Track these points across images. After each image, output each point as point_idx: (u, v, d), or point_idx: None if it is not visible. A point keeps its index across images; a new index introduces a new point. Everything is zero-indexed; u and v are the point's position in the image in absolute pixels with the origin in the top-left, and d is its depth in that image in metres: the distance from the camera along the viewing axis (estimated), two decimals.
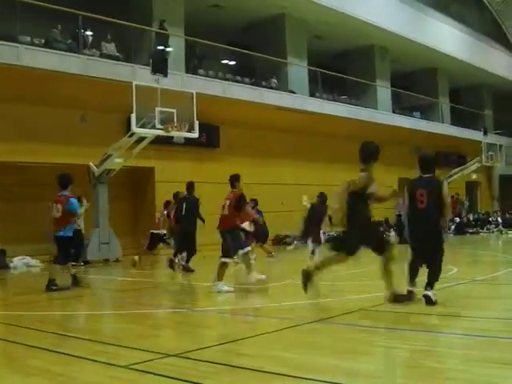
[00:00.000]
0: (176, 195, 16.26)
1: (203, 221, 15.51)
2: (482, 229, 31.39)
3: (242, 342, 6.66)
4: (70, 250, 12.18)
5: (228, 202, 11.27)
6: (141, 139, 17.64)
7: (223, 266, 10.95)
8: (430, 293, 8.55)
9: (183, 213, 14.96)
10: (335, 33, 28.48)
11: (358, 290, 11.26)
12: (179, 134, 18.22)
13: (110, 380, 5.28)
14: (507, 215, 33.74)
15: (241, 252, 11.00)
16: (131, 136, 17.28)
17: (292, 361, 5.73)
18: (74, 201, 11.97)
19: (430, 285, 8.68)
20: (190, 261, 14.77)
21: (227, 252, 10.95)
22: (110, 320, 8.81)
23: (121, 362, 5.72)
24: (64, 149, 18.36)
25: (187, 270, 14.65)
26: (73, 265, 12.91)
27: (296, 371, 5.28)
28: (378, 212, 28.90)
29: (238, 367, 5.49)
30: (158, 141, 18.39)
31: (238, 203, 11.29)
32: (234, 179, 11.82)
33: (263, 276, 11.47)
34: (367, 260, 13.19)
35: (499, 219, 32.50)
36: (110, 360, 5.84)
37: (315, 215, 15.19)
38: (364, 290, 11.08)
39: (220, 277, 10.91)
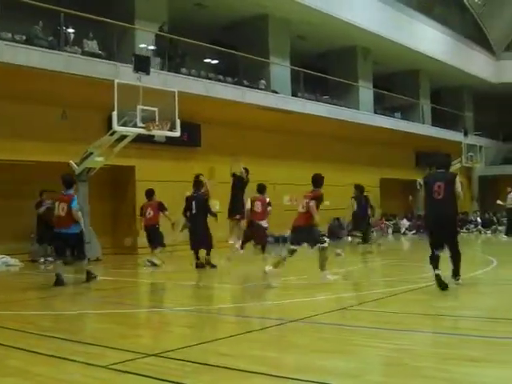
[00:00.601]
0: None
1: (215, 216, 15.73)
2: (462, 229, 31.53)
3: (221, 342, 6.66)
4: (82, 245, 12.81)
5: (307, 200, 11.46)
6: (122, 138, 17.56)
7: (323, 252, 11.43)
8: (460, 281, 10.23)
9: (194, 211, 15.21)
10: (318, 33, 28.53)
11: (339, 289, 11.29)
12: (161, 133, 18.17)
13: (89, 380, 5.26)
14: (486, 215, 33.94)
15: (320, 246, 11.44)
16: (112, 134, 17.19)
17: (272, 360, 5.76)
18: (75, 199, 12.53)
19: (456, 274, 10.27)
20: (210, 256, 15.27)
21: (316, 240, 11.42)
22: (89, 320, 8.78)
23: (100, 362, 5.70)
24: (44, 146, 18.25)
25: (211, 266, 15.11)
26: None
27: (275, 370, 5.31)
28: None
29: (217, 366, 5.49)
30: (140, 139, 18.32)
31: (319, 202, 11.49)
32: (318, 179, 11.98)
33: (335, 277, 11.81)
34: (350, 260, 13.28)
35: (478, 219, 32.73)
36: (89, 360, 5.82)
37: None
38: (345, 289, 11.13)
39: (322, 266, 11.51)
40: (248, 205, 16.16)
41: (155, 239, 16.27)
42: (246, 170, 16.82)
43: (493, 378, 5.04)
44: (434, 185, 10.09)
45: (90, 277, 12.71)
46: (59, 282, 12.09)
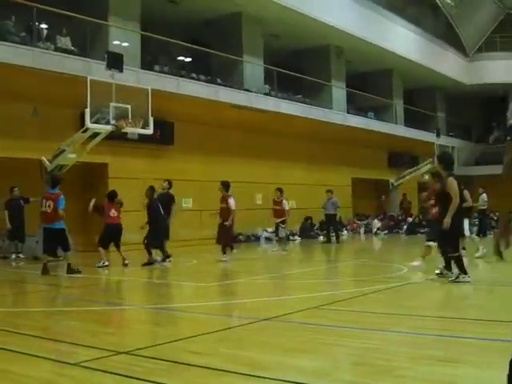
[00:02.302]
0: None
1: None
2: None
3: (193, 340, 6.67)
4: (67, 238, 14.01)
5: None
6: (94, 135, 17.51)
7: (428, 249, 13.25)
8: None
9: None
10: (291, 32, 28.54)
11: (310, 288, 11.33)
12: (133, 130, 18.13)
13: (60, 378, 5.25)
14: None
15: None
16: (85, 131, 17.14)
17: (242, 358, 5.78)
18: (62, 199, 13.45)
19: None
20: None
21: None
22: (60, 317, 8.72)
23: (71, 359, 5.69)
24: (15, 143, 18.05)
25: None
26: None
27: (246, 369, 5.32)
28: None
29: (188, 364, 5.49)
30: (112, 137, 18.25)
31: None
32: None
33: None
34: (319, 259, 13.34)
35: None
36: (60, 357, 5.81)
37: None
38: (316, 288, 11.18)
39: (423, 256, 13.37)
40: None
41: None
42: None
43: (461, 378, 5.12)
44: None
45: (71, 270, 13.47)
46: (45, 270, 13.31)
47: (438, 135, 34.25)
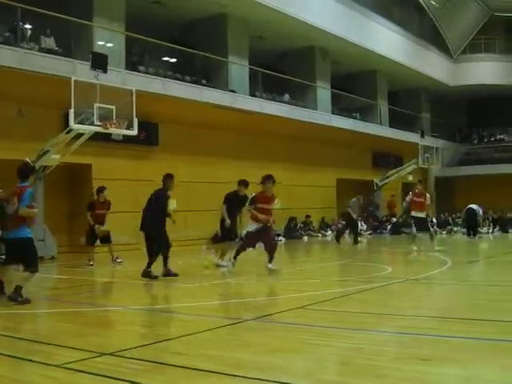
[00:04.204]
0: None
1: None
2: None
3: (177, 341, 6.67)
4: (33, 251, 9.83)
5: None
6: (79, 135, 17.47)
7: None
8: None
9: None
10: (276, 33, 28.59)
11: (295, 288, 11.36)
12: (118, 131, 18.09)
13: (44, 380, 5.22)
14: (442, 216, 34.38)
15: None
16: (69, 132, 17.09)
17: (226, 359, 5.77)
18: (29, 193, 9.79)
19: None
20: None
21: None
22: (44, 319, 8.70)
23: (55, 361, 5.65)
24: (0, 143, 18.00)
25: None
26: None
27: (230, 369, 5.32)
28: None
29: (172, 365, 5.49)
30: (96, 138, 18.23)
31: None
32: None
33: None
34: (304, 259, 13.36)
35: (434, 220, 33.08)
36: (44, 359, 5.77)
37: None
38: (301, 288, 11.20)
39: None
40: None
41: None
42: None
43: (445, 377, 5.13)
44: None
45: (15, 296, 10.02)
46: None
47: (422, 136, 34.41)
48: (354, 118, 34.12)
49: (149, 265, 12.63)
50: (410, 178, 37.81)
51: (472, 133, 47.34)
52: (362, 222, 31.66)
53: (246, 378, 5.10)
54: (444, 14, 41.08)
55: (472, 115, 47.51)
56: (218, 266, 14.54)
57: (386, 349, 6.27)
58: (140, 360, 5.70)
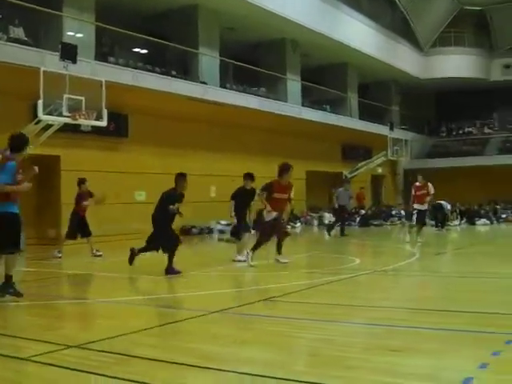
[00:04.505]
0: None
1: None
2: (386, 221, 32.15)
3: (145, 333, 6.67)
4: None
5: None
6: (47, 127, 17.34)
7: None
8: None
9: None
10: (247, 25, 28.50)
11: (263, 280, 11.42)
12: (87, 123, 18.00)
13: (11, 373, 5.21)
14: (410, 208, 34.63)
15: None
16: (38, 123, 16.96)
17: (194, 351, 5.80)
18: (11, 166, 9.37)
19: None
20: None
21: None
22: (12, 312, 8.62)
23: (22, 354, 5.65)
24: None
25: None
26: None
27: (198, 361, 5.35)
28: None
29: (139, 357, 5.50)
30: (65, 129, 18.10)
31: None
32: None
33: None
34: (272, 251, 13.42)
35: (402, 212, 33.35)
36: (11, 353, 5.74)
37: None
38: (269, 280, 11.26)
39: None
40: None
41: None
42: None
43: (414, 367, 5.20)
44: None
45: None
46: None
47: (391, 128, 34.67)
48: (324, 110, 34.16)
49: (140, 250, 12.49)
50: (379, 170, 38.13)
51: (441, 126, 47.77)
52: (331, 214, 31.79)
53: (213, 369, 5.13)
54: (414, 7, 41.24)
55: (441, 108, 47.90)
56: (234, 261, 14.03)
57: (355, 340, 6.35)
58: (107, 352, 5.69)
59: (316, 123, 30.92)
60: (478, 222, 30.24)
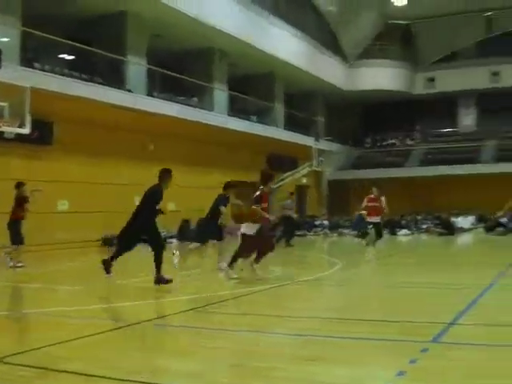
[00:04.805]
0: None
1: None
2: (309, 231, 32.51)
3: (64, 345, 6.58)
4: None
5: None
6: None
7: None
8: None
9: None
10: (176, 33, 28.34)
11: (186, 291, 11.46)
12: (9, 130, 17.70)
13: None
14: (334, 218, 35.14)
15: None
16: None
17: (115, 363, 5.80)
18: None
19: None
20: None
21: None
22: None
23: None
24: None
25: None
26: None
27: (119, 373, 5.35)
28: None
29: (58, 371, 5.45)
30: None
31: None
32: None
33: None
34: (197, 260, 13.47)
35: (325, 222, 33.79)
36: None
37: None
38: (191, 291, 11.31)
39: None
40: None
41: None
42: None
43: (334, 377, 5.34)
44: None
45: None
46: None
47: (316, 139, 35.10)
48: (251, 120, 34.31)
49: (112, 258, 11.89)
50: (304, 180, 38.53)
51: (366, 137, 48.55)
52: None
53: (134, 381, 5.15)
54: (341, 20, 41.88)
55: (366, 120, 48.79)
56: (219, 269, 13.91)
57: (274, 350, 6.46)
58: (26, 366, 5.61)
59: (242, 133, 31.03)
60: (399, 233, 30.83)
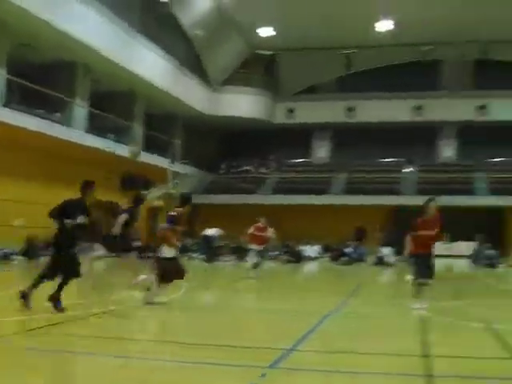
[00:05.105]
0: None
1: None
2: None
3: None
4: None
5: None
6: None
7: None
8: None
9: None
10: (41, 43, 27.85)
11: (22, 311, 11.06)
12: None
13: None
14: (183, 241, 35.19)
15: None
16: None
17: None
18: None
19: None
20: None
21: None
22: None
23: None
24: None
25: None
26: None
27: None
28: None
29: None
30: None
31: None
32: None
33: None
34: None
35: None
36: None
37: None
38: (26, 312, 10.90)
39: None
40: None
41: None
42: None
43: None
44: None
45: None
46: None
47: (172, 161, 35.21)
48: (108, 138, 33.88)
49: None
50: (158, 202, 38.42)
51: (221, 162, 49.14)
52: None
53: None
54: (208, 45, 42.45)
55: (224, 145, 49.53)
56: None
57: (103, 373, 6.62)
58: None
59: (99, 151, 30.67)
60: (247, 259, 31.22)
